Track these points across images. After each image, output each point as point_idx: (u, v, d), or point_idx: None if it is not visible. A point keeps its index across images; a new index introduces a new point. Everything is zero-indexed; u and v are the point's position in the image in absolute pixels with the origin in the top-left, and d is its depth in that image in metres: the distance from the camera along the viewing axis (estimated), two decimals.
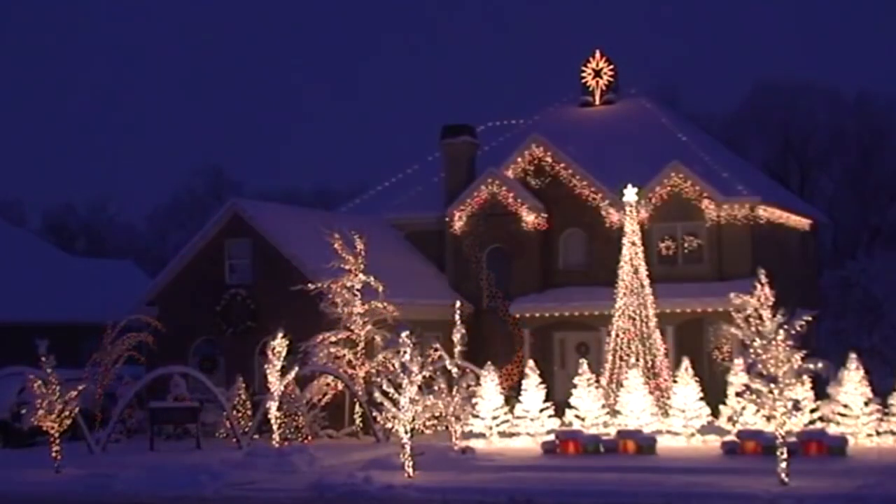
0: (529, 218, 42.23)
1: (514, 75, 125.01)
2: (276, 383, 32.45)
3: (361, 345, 35.81)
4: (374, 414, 32.37)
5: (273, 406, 32.52)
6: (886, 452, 28.65)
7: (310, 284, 36.17)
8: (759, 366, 23.71)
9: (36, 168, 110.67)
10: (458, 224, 43.14)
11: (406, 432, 26.75)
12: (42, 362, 28.87)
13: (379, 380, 28.53)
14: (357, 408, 35.50)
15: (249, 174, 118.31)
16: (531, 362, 34.32)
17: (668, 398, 33.00)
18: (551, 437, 31.22)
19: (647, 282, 34.99)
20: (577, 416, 32.89)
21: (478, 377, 33.56)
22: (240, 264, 38.27)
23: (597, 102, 48.41)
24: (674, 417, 32.28)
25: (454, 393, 31.23)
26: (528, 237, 42.39)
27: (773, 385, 23.44)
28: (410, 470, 26.50)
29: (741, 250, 40.09)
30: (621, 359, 34.46)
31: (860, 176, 66.91)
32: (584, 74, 48.66)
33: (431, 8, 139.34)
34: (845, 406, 30.80)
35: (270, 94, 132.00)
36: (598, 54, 48.30)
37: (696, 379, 32.63)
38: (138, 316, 38.17)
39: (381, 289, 36.23)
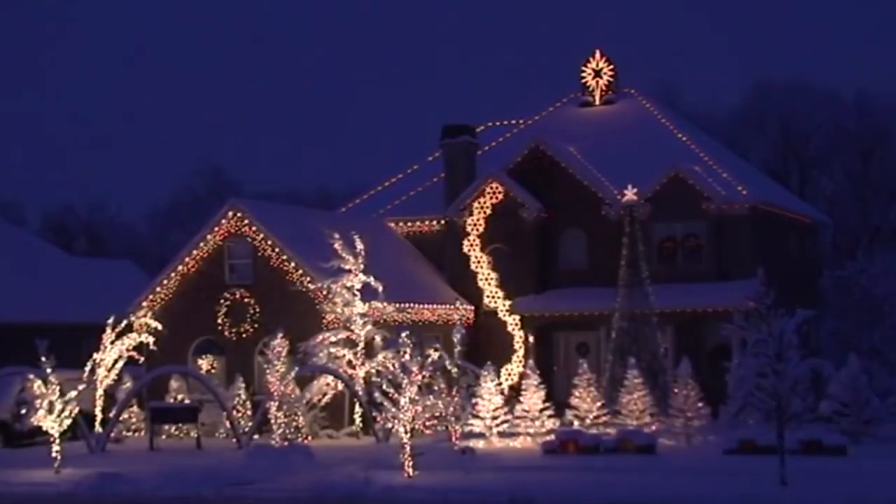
0: (529, 218, 42.21)
1: (514, 75, 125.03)
2: (276, 383, 32.49)
3: (361, 345, 35.81)
4: (374, 414, 32.35)
5: (273, 406, 32.53)
6: (885, 452, 28.62)
7: (310, 285, 36.21)
8: (759, 366, 23.69)
9: (36, 168, 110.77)
10: (458, 224, 43.13)
11: (406, 432, 26.73)
12: (42, 362, 28.84)
13: (379, 380, 28.51)
14: (357, 408, 35.50)
15: (249, 174, 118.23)
16: (531, 362, 34.31)
17: (669, 398, 32.98)
18: (551, 437, 31.22)
19: (647, 281, 34.98)
20: (576, 416, 32.89)
21: (478, 377, 33.55)
22: (240, 264, 38.23)
23: (597, 102, 48.46)
24: (674, 417, 32.25)
25: (454, 393, 31.20)
26: (528, 237, 42.38)
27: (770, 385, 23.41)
28: (410, 470, 26.47)
29: (741, 250, 40.08)
30: (621, 358, 34.43)
31: (860, 176, 66.80)
32: (584, 74, 48.71)
33: (431, 7, 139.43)
34: (845, 406, 30.80)
35: (270, 94, 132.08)
36: (598, 54, 48.37)
37: (696, 379, 32.62)
38: (138, 316, 38.17)
39: (381, 289, 36.25)
